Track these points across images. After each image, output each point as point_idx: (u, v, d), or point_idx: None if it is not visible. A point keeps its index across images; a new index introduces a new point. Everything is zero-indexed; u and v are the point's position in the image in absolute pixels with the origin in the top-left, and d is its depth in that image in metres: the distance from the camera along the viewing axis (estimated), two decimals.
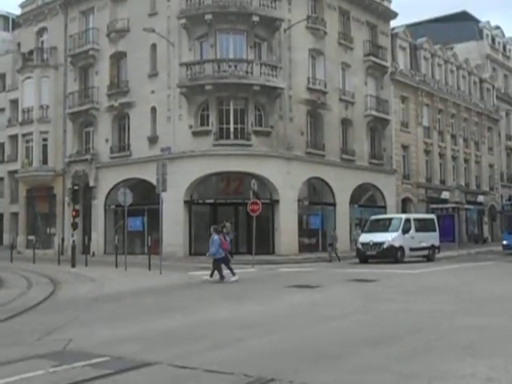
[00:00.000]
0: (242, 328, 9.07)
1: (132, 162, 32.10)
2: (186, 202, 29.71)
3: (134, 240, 31.11)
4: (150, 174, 26.41)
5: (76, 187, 29.56)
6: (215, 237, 18.23)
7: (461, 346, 7.55)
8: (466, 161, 47.00)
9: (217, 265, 17.73)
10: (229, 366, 6.51)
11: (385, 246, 25.46)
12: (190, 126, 29.83)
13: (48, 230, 37.42)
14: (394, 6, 39.42)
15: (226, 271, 17.67)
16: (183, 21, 29.89)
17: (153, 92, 31.32)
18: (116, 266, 22.68)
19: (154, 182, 22.83)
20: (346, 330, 9.02)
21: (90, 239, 31.77)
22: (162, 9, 31.23)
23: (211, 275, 17.58)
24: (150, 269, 21.33)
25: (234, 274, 17.70)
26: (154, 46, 31.40)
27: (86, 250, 27.61)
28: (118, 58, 33.75)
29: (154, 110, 31.39)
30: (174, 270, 21.74)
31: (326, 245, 29.28)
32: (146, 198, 29.86)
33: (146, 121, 31.51)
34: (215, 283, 17.04)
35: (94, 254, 31.17)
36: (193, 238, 29.81)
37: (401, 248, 25.69)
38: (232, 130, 29.77)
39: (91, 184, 33.95)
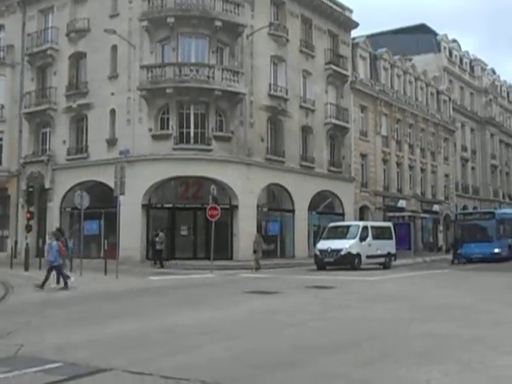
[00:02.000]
0: (199, 334, 8.96)
1: (90, 164, 31.62)
2: (144, 205, 29.42)
3: (90, 244, 30.62)
4: (107, 177, 26.07)
5: (31, 189, 28.94)
6: (53, 243, 16.84)
7: (416, 352, 7.61)
8: (422, 170, 47.86)
9: (57, 271, 16.66)
10: (185, 372, 6.40)
11: (342, 252, 25.67)
12: (150, 130, 29.58)
13: (1, 233, 36.47)
14: (355, 16, 40.05)
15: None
16: (145, 23, 29.67)
17: (112, 94, 30.95)
18: (71, 270, 22.21)
19: (112, 185, 22.56)
20: (304, 336, 9.00)
21: (44, 242, 31.07)
22: (124, 10, 30.92)
23: (43, 284, 16.14)
24: (106, 273, 21.01)
25: (58, 282, 16.65)
26: (114, 48, 31.05)
27: (40, 253, 26.98)
28: (78, 58, 33.25)
29: (113, 112, 31.01)
30: (131, 274, 21.48)
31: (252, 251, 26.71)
32: (103, 201, 29.44)
33: (104, 123, 31.10)
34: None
35: None
36: (150, 242, 29.45)
37: (358, 255, 25.95)
38: (192, 134, 29.64)
39: (47, 186, 33.27)
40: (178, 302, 13.41)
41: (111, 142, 30.76)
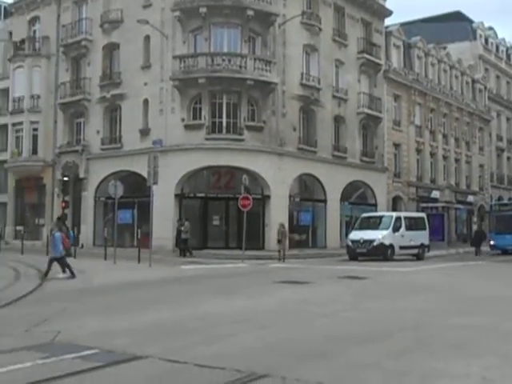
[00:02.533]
0: (233, 323, 9.01)
1: (123, 154, 31.94)
2: (176, 195, 29.60)
3: (123, 233, 30.88)
4: (141, 167, 26.29)
5: (66, 178, 29.45)
6: (56, 234, 16.28)
7: (452, 344, 7.54)
8: (456, 160, 47.14)
9: (60, 263, 16.17)
10: (220, 360, 6.44)
11: (375, 243, 25.49)
12: (183, 119, 29.71)
13: (37, 221, 37.19)
14: (388, 4, 39.49)
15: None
16: (177, 13, 29.72)
17: (145, 84, 31.14)
18: (105, 259, 22.55)
19: (145, 175, 22.75)
20: (336, 327, 8.98)
21: (79, 231, 31.59)
22: (156, 1, 31.04)
23: (45, 275, 15.74)
24: (139, 262, 21.25)
25: (65, 271, 16.22)
26: (147, 38, 31.22)
27: (75, 241, 27.40)
28: (111, 49, 33.54)
29: (146, 102, 31.22)
30: (164, 263, 21.68)
31: (276, 241, 26.40)
32: (136, 190, 29.71)
33: (138, 113, 31.35)
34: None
35: (82, 246, 31.02)
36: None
37: (391, 246, 25.74)
38: (224, 124, 29.67)
39: (81, 175, 33.75)
40: (210, 291, 13.49)
41: (144, 132, 31.01)
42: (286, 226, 30.53)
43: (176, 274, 18.47)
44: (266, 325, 8.94)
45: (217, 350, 7.06)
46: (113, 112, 33.36)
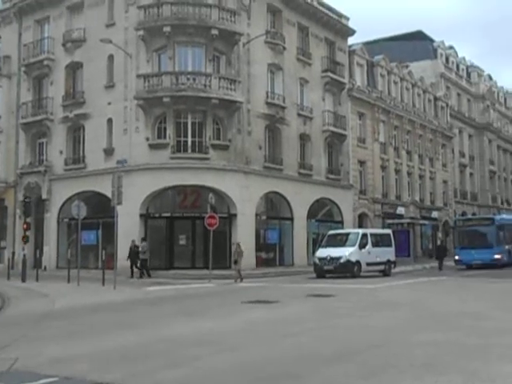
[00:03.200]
0: (199, 345, 8.80)
1: (87, 174, 31.46)
2: (141, 215, 29.22)
3: (87, 254, 30.37)
4: (105, 187, 25.90)
5: (28, 199, 28.82)
6: None
7: (419, 362, 7.46)
8: (420, 177, 47.78)
9: None
10: None
11: (342, 260, 25.51)
12: (147, 139, 29.45)
13: None
14: (351, 24, 40.03)
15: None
16: (141, 32, 29.59)
17: (109, 103, 30.85)
18: (68, 281, 22.04)
19: (110, 195, 22.39)
20: (306, 346, 8.84)
21: (41, 253, 30.93)
22: (120, 20, 30.87)
23: None
24: (103, 284, 20.83)
25: None
26: (111, 57, 30.98)
27: (38, 264, 26.84)
28: (74, 68, 33.17)
29: (110, 121, 30.91)
30: (129, 285, 21.32)
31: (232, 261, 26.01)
32: (100, 211, 29.26)
33: (101, 132, 30.99)
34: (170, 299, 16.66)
35: (45, 269, 30.34)
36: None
37: (358, 263, 25.78)
38: (190, 143, 29.51)
39: (44, 196, 33.09)
40: (176, 313, 13.24)
41: (108, 152, 30.64)
42: (253, 244, 30.59)
43: (141, 295, 18.13)
44: (234, 347, 8.75)
45: (181, 375, 6.85)
46: (76, 132, 32.92)
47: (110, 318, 12.68)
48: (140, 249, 26.58)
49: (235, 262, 24.67)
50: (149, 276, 25.88)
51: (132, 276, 25.78)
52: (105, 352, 8.39)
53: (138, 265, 26.42)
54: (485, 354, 7.99)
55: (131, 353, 8.33)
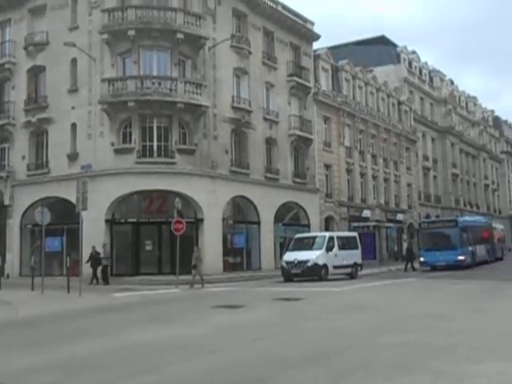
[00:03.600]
0: (168, 351, 8.70)
1: (50, 179, 30.94)
2: (107, 221, 28.87)
3: (51, 261, 29.83)
4: (69, 193, 25.51)
5: None
6: None
7: (388, 364, 7.51)
8: (385, 180, 48.34)
9: None
10: None
11: (309, 264, 25.60)
12: (112, 144, 29.13)
13: None
14: (316, 29, 40.32)
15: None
16: (105, 36, 29.27)
17: (73, 108, 30.45)
18: (32, 289, 21.57)
19: (74, 201, 22.03)
20: (275, 350, 8.82)
21: (4, 260, 30.22)
22: (83, 23, 30.50)
23: None
24: (68, 291, 20.46)
25: None
26: (74, 61, 30.59)
27: (0, 272, 26.22)
28: (37, 72, 32.62)
29: (74, 126, 30.50)
30: (95, 291, 20.98)
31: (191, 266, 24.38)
32: (65, 217, 28.83)
33: (65, 137, 30.53)
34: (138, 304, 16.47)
35: (8, 276, 29.68)
36: (114, 258, 28.90)
37: (325, 266, 25.92)
38: (155, 147, 29.28)
39: (6, 202, 32.42)
40: (145, 319, 13.07)
41: (72, 157, 30.21)
42: (220, 248, 30.49)
43: (108, 302, 17.87)
44: (204, 352, 8.68)
45: (153, 381, 6.77)
46: (39, 137, 32.36)
47: (77, 325, 12.45)
48: (102, 255, 26.13)
49: (194, 267, 23.74)
50: (106, 283, 25.35)
51: (91, 282, 25.25)
52: (74, 361, 8.22)
53: (99, 271, 25.86)
54: (451, 354, 8.10)
55: (102, 360, 8.18)
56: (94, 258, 25.94)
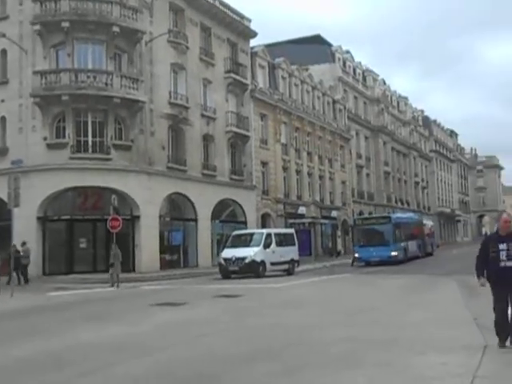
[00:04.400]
0: (111, 351, 8.47)
1: None
2: (39, 218, 27.96)
3: None
4: None
5: None
6: None
7: (335, 358, 7.59)
8: (320, 177, 49.01)
9: None
10: None
11: (247, 260, 25.61)
12: (45, 138, 28.24)
13: None
14: (253, 26, 40.37)
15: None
16: (37, 27, 28.32)
17: (2, 101, 29.39)
18: None
19: (4, 197, 21.17)
20: (221, 346, 8.74)
21: None
22: (14, 13, 29.40)
23: None
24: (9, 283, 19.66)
25: None
26: (4, 52, 29.50)
27: None
28: None
29: (3, 119, 29.45)
30: (28, 291, 20.26)
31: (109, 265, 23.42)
32: None
33: None
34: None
35: None
36: (47, 256, 28.04)
37: (262, 263, 25.99)
38: (90, 143, 28.60)
39: None
40: (84, 318, 12.68)
41: (2, 152, 29.09)
42: (157, 246, 30.08)
43: (43, 301, 17.28)
44: (148, 351, 8.49)
45: (97, 382, 6.54)
46: None
47: (12, 326, 11.94)
48: (22, 253, 24.76)
49: (111, 266, 22.60)
50: (26, 282, 24.27)
51: (9, 282, 23.30)
52: (10, 362, 7.86)
53: (19, 270, 24.45)
54: (394, 347, 8.25)
55: (42, 362, 7.86)
56: (15, 258, 24.55)
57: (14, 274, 22.11)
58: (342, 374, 6.61)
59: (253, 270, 25.59)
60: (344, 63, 58.54)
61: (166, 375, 6.84)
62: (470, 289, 15.76)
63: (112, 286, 22.00)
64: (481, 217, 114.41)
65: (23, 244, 25.24)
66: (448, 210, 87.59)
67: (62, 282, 24.67)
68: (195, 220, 33.63)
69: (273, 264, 26.76)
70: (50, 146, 28.20)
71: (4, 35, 27.00)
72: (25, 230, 25.54)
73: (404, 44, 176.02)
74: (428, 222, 50.23)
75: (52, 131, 28.46)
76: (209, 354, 8.16)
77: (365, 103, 62.64)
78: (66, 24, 28.00)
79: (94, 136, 28.71)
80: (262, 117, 41.30)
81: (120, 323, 11.68)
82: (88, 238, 29.13)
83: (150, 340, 9.49)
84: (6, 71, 29.53)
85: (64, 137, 28.33)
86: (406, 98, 77.43)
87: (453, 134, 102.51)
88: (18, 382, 6.66)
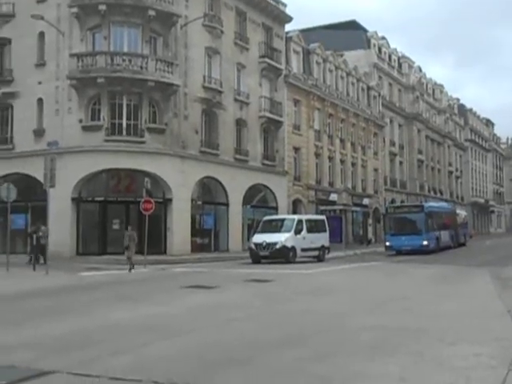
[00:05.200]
0: (142, 331, 8.58)
1: (15, 155, 30.30)
2: (73, 199, 28.45)
3: (15, 239, 29.17)
4: (34, 169, 25.10)
5: None
6: None
7: (366, 345, 7.55)
8: (353, 164, 48.69)
9: None
10: (135, 372, 6.04)
11: (277, 246, 25.68)
12: (80, 120, 28.61)
13: None
14: (288, 11, 40.07)
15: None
16: (75, 10, 28.63)
17: (40, 83, 29.76)
18: None
19: (40, 178, 21.63)
20: (252, 331, 8.79)
21: None
22: None
23: None
24: (34, 269, 20.10)
25: None
26: (42, 35, 29.87)
27: None
28: (2, 44, 31.75)
29: (40, 101, 29.86)
30: (62, 270, 20.64)
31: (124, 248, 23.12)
32: (29, 194, 28.32)
33: (31, 113, 29.89)
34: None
35: None
36: (81, 237, 28.57)
37: (293, 248, 26.02)
38: (125, 125, 28.88)
39: None
40: (115, 298, 12.90)
41: (38, 133, 29.57)
42: (188, 229, 30.30)
43: (76, 281, 17.60)
44: (180, 332, 8.59)
45: (130, 361, 6.64)
46: (3, 111, 31.56)
47: (46, 304, 12.19)
48: (41, 234, 24.92)
49: (127, 248, 22.28)
50: (45, 262, 24.30)
51: (32, 261, 23.19)
52: (46, 340, 8.02)
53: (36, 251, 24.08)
54: (425, 336, 8.18)
55: (75, 340, 8.00)
56: (36, 238, 24.16)
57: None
58: (373, 361, 6.59)
59: (283, 255, 25.65)
60: (379, 49, 57.83)
61: (196, 358, 6.90)
62: (503, 280, 15.57)
63: (129, 270, 21.19)
64: None
65: (41, 225, 24.80)
66: (482, 201, 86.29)
67: (95, 262, 25.09)
68: (227, 204, 33.77)
69: (303, 250, 26.77)
70: (85, 128, 28.55)
71: (42, 18, 27.23)
72: (59, 211, 26.11)
73: (438, 33, 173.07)
74: (461, 212, 49.59)
75: (87, 113, 28.80)
76: (239, 338, 8.21)
77: (399, 90, 61.84)
78: (102, 7, 28.21)
79: (128, 119, 28.97)
80: (296, 102, 41.10)
81: (151, 304, 11.83)
82: (121, 219, 29.47)
83: (181, 322, 9.58)
84: (44, 53, 29.94)
85: (99, 119, 28.66)
86: (441, 86, 76.18)
87: (489, 124, 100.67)
88: (50, 358, 6.80)
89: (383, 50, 58.73)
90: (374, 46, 56.59)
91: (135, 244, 22.66)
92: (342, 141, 46.88)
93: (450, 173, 74.92)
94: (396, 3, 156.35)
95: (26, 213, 29.87)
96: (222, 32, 33.42)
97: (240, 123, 35.16)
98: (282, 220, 29.00)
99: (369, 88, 52.42)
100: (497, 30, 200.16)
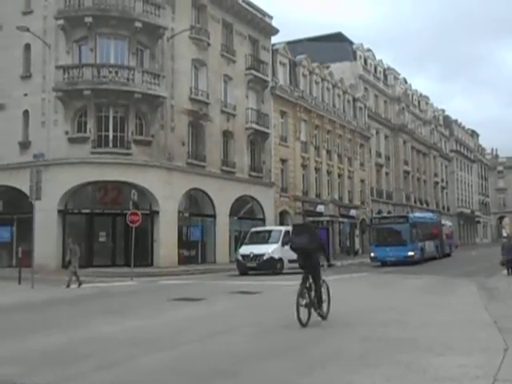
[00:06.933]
0: (128, 345, 8.52)
1: (0, 167, 29.99)
2: (60, 211, 28.26)
3: (0, 251, 29.02)
4: (20, 182, 24.94)
5: None
6: None
7: (355, 356, 7.55)
8: (339, 176, 48.85)
9: None
10: None
11: (265, 257, 25.68)
12: (67, 132, 28.50)
13: None
14: (274, 23, 40.34)
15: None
16: (61, 22, 28.59)
17: (26, 95, 29.64)
18: None
19: (25, 190, 21.50)
20: (238, 344, 8.75)
21: None
22: (38, 7, 29.69)
23: None
24: (20, 282, 19.89)
25: None
26: (27, 47, 29.78)
27: None
28: None
29: (26, 113, 29.72)
30: (48, 283, 20.45)
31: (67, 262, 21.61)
32: (15, 206, 28.19)
33: (17, 125, 29.72)
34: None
35: None
36: (67, 249, 28.27)
37: (280, 260, 25.98)
38: (111, 137, 28.80)
39: None
40: (102, 312, 12.80)
41: (24, 145, 29.40)
42: (175, 241, 30.18)
43: (62, 294, 17.45)
44: (166, 345, 8.54)
45: (116, 376, 6.60)
46: None
47: (32, 318, 12.08)
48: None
49: (69, 262, 20.37)
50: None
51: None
52: (33, 354, 7.94)
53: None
54: (413, 347, 8.20)
55: (61, 354, 7.93)
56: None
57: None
58: (359, 373, 6.58)
59: (270, 266, 25.62)
60: (365, 61, 58.25)
61: (183, 370, 6.87)
62: (489, 291, 15.65)
63: (68, 286, 19.16)
64: (501, 218, 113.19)
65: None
66: (468, 211, 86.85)
67: (82, 274, 24.71)
68: (214, 216, 33.73)
69: (290, 261, 26.56)
70: (71, 140, 28.45)
71: (28, 29, 27.19)
72: (45, 223, 25.91)
73: (422, 46, 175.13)
74: (447, 223, 49.84)
75: (73, 125, 28.71)
76: (227, 350, 8.18)
77: (385, 102, 62.28)
78: (89, 19, 28.20)
79: (114, 131, 28.90)
80: (282, 114, 41.25)
81: (137, 317, 11.75)
82: (107, 231, 29.37)
83: (167, 335, 9.53)
84: (30, 65, 29.85)
85: (85, 131, 28.57)
86: (426, 98, 76.84)
87: (474, 134, 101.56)
88: (37, 373, 6.73)
89: (369, 61, 59.17)
90: (360, 57, 57.00)
91: (77, 258, 20.23)
92: (328, 152, 47.06)
93: (436, 183, 75.40)
94: (382, 18, 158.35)
95: (12, 225, 29.62)
96: (208, 44, 33.53)
97: (227, 135, 35.21)
98: (269, 231, 29.00)
99: (355, 99, 52.75)
100: (479, 44, 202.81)
